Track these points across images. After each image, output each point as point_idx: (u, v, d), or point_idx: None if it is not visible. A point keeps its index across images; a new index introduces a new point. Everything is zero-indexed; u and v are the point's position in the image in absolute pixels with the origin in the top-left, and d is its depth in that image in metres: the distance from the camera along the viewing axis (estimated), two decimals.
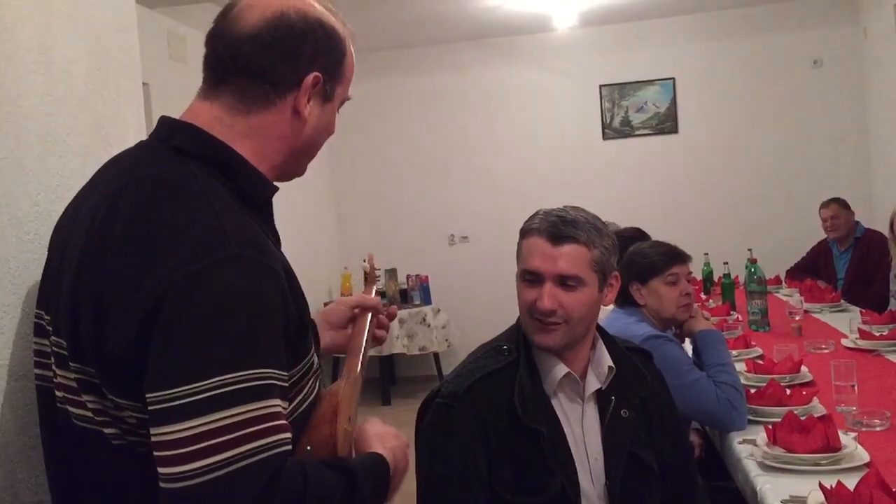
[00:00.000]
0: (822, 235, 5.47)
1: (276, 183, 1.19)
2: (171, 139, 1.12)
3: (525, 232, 1.72)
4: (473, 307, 6.80)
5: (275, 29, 1.11)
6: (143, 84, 1.82)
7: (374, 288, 1.59)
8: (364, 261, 1.66)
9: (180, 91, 4.65)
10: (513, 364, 1.70)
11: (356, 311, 1.45)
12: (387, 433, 1.22)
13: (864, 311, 3.80)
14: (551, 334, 1.67)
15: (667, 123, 6.77)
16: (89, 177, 1.20)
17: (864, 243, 5.28)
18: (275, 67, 1.12)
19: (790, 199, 6.47)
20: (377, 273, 1.61)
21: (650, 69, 6.74)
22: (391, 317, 1.52)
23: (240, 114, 1.13)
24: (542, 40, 6.84)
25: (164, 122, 1.16)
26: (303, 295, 1.10)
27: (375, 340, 1.49)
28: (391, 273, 6.53)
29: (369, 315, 1.44)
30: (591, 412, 1.72)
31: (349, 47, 1.21)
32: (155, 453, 0.94)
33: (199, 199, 1.03)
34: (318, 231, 6.80)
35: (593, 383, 1.73)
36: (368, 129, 6.90)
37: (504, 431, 1.63)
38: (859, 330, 3.25)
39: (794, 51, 6.52)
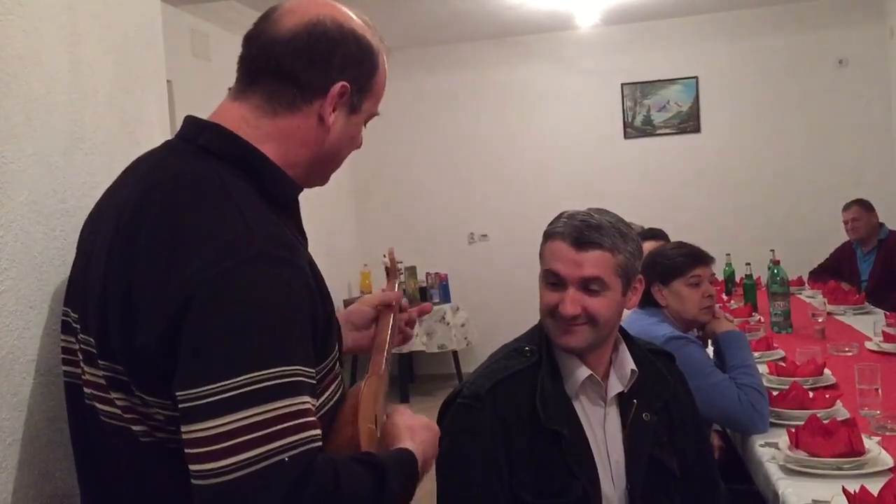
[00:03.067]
0: (846, 237, 5.42)
1: None
2: (197, 139, 1.13)
3: (548, 235, 1.71)
4: (492, 305, 6.79)
5: (308, 34, 1.13)
6: (167, 81, 1.83)
7: (397, 283, 1.58)
8: (384, 256, 1.66)
9: (203, 88, 4.67)
10: (535, 365, 1.69)
11: (379, 309, 1.46)
12: (416, 424, 1.22)
13: (888, 313, 3.76)
14: (575, 335, 1.67)
15: (689, 123, 6.72)
16: (115, 174, 1.21)
17: (889, 245, 5.23)
18: (304, 72, 1.13)
19: (813, 199, 6.41)
20: (399, 267, 1.62)
21: (673, 68, 6.70)
22: (424, 312, 1.52)
23: (266, 115, 1.14)
24: (564, 38, 6.81)
25: (190, 121, 1.17)
26: (329, 294, 1.11)
27: (403, 338, 1.50)
28: (410, 271, 6.54)
29: (392, 312, 1.45)
30: (613, 415, 1.71)
31: (382, 63, 1.22)
32: (186, 450, 0.95)
33: (225, 198, 1.04)
34: (338, 228, 6.81)
35: (615, 386, 1.72)
36: (389, 127, 6.90)
37: (525, 433, 1.63)
38: (883, 333, 3.21)
39: (818, 50, 6.46)
